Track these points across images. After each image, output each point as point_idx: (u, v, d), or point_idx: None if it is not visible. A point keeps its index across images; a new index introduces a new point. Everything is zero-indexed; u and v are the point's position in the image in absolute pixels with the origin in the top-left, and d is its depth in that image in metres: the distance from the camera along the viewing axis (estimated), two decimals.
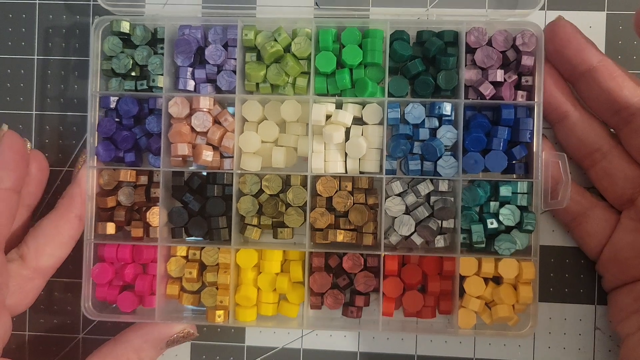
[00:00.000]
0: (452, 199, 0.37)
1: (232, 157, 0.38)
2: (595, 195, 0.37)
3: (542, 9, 0.39)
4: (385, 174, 0.37)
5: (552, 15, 0.38)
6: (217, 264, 0.38)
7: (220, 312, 0.37)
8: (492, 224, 0.36)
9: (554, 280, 0.39)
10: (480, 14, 0.39)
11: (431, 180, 0.37)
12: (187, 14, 0.39)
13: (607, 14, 0.39)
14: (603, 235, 0.36)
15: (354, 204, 0.37)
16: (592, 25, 0.39)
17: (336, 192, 0.37)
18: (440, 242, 0.37)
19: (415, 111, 0.37)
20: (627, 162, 0.35)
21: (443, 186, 0.37)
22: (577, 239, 0.38)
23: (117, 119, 0.39)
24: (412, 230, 0.37)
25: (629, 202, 0.36)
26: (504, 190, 0.37)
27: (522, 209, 0.37)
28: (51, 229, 0.37)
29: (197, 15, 0.38)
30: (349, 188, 0.38)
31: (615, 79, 0.34)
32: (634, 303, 0.35)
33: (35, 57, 0.41)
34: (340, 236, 0.38)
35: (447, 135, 0.37)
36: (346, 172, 0.38)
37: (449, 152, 0.37)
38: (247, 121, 0.39)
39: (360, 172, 0.38)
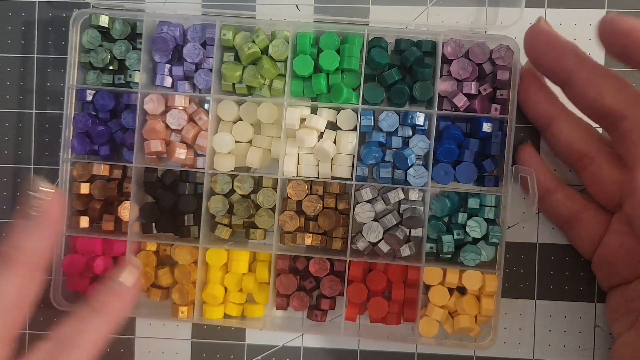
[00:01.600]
0: (421, 208, 0.37)
1: (206, 156, 0.38)
2: (587, 197, 0.37)
3: (542, 6, 0.39)
4: (356, 180, 0.37)
5: (553, 13, 0.39)
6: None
7: (183, 309, 0.38)
8: (458, 234, 0.37)
9: (554, 278, 0.39)
10: (467, 19, 0.39)
11: (402, 188, 0.38)
12: (187, 12, 0.39)
13: (607, 12, 0.39)
14: (595, 237, 0.36)
15: (323, 208, 0.38)
16: (592, 23, 0.39)
17: (306, 195, 0.38)
18: (406, 250, 0.38)
19: (389, 119, 0.37)
20: (614, 167, 0.35)
21: (413, 195, 0.38)
22: (571, 241, 0.38)
23: (93, 112, 0.39)
24: (380, 237, 0.38)
25: (618, 206, 0.35)
26: (472, 202, 0.37)
27: (490, 221, 0.37)
28: (16, 297, 0.31)
29: (176, 13, 0.38)
30: (320, 192, 0.38)
31: (596, 87, 0.32)
32: (624, 304, 0.35)
33: (36, 55, 0.41)
34: (309, 240, 0.38)
35: (419, 145, 0.37)
36: (318, 177, 0.38)
37: (420, 162, 0.37)
38: (222, 121, 0.39)
39: (332, 177, 0.38)
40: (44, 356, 0.31)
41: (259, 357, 0.40)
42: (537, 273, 0.39)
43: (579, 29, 0.39)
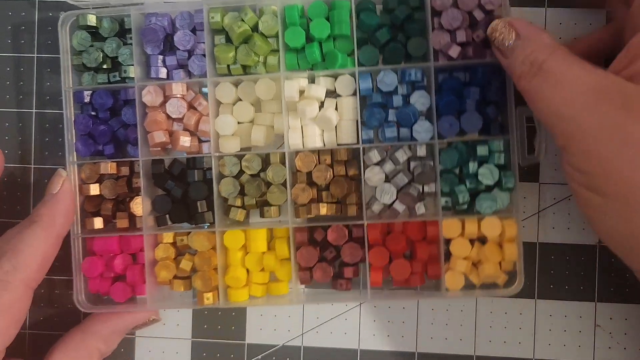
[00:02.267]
0: (431, 163, 0.37)
1: (210, 140, 0.38)
2: None
3: (543, 6, 0.39)
4: (363, 144, 0.37)
5: (553, 12, 0.39)
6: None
7: (208, 295, 0.38)
8: (471, 184, 0.37)
9: (555, 278, 0.39)
10: None
11: (409, 146, 0.38)
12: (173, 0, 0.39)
13: (607, 10, 0.38)
14: None
15: (333, 176, 0.38)
16: (591, 22, 0.39)
17: (315, 166, 0.38)
18: (420, 208, 0.37)
19: (387, 78, 0.37)
20: None
21: (421, 151, 0.37)
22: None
23: (92, 113, 0.39)
24: (394, 197, 0.37)
25: None
26: (481, 150, 0.37)
27: (501, 167, 0.37)
28: (43, 254, 0.35)
29: (162, 1, 0.38)
30: (328, 161, 0.38)
31: None
32: None
33: (35, 54, 0.41)
34: (324, 209, 0.38)
35: (420, 100, 0.37)
36: (324, 146, 0.38)
37: (424, 117, 0.37)
38: (222, 103, 0.39)
39: (338, 144, 0.38)
40: None
41: (259, 357, 0.40)
42: (537, 273, 0.39)
43: (579, 29, 0.39)
